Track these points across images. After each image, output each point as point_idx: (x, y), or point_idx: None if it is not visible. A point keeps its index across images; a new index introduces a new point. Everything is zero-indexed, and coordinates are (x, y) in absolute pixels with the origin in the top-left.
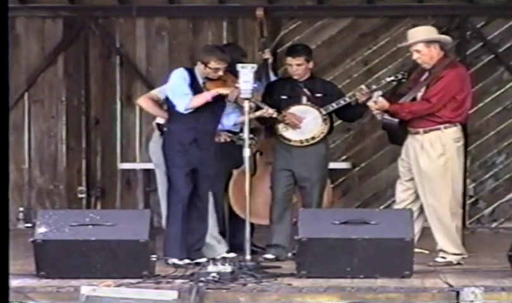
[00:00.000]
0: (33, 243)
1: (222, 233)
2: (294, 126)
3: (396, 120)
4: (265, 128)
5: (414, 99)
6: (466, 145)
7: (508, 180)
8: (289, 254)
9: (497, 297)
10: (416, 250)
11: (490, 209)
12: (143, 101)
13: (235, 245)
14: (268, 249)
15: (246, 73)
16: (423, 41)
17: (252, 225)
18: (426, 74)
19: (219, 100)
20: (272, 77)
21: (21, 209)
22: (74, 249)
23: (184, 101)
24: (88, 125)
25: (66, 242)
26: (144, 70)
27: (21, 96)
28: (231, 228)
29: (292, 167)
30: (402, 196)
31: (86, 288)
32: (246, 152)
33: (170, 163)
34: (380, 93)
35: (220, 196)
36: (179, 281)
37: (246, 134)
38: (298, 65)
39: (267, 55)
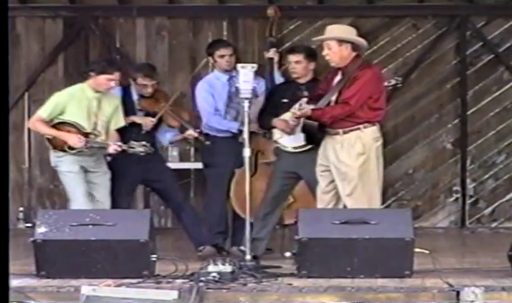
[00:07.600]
0: (33, 243)
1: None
2: (288, 132)
3: (316, 123)
4: (264, 130)
5: (329, 103)
6: (384, 145)
7: (508, 180)
8: (289, 254)
9: (498, 296)
10: (416, 250)
11: (490, 209)
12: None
13: (237, 244)
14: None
15: (246, 73)
16: (336, 38)
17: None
18: (339, 76)
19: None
20: (278, 78)
21: (21, 209)
22: (74, 248)
23: None
24: None
25: (66, 242)
26: None
27: (21, 96)
28: (234, 227)
29: (292, 169)
30: (325, 198)
31: (87, 288)
32: (246, 152)
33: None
34: (305, 99)
35: (224, 194)
36: (179, 281)
37: (246, 134)
38: (296, 62)
39: (271, 54)
